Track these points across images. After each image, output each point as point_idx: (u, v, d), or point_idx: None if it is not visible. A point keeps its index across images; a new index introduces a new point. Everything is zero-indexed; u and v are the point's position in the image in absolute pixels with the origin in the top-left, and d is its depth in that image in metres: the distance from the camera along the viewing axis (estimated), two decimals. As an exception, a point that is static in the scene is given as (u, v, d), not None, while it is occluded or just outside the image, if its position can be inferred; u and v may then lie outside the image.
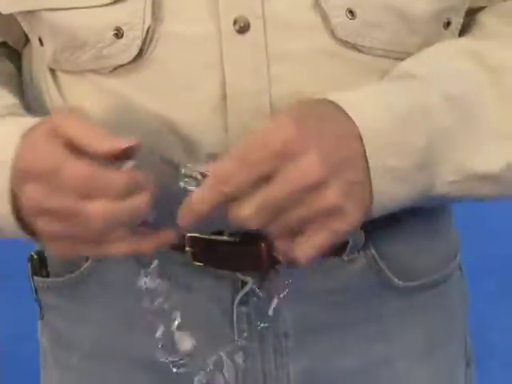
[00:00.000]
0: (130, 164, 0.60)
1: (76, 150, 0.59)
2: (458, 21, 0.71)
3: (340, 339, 0.78)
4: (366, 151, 0.60)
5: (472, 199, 0.69)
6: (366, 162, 0.60)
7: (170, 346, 0.72)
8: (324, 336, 0.77)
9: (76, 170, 0.58)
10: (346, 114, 0.60)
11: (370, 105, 0.62)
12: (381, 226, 0.73)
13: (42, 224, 0.61)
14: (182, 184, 0.61)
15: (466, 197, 0.68)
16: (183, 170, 0.61)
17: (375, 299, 0.78)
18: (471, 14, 0.74)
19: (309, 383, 0.78)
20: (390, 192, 0.62)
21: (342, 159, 0.59)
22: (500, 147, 0.65)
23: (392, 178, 0.61)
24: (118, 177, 0.58)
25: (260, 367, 0.77)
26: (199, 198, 0.58)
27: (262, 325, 0.74)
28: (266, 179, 0.57)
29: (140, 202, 0.59)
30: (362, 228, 0.72)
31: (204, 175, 0.60)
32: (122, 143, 0.59)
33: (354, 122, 0.60)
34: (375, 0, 0.66)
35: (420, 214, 0.75)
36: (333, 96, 0.62)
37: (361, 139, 0.60)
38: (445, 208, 0.82)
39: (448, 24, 0.70)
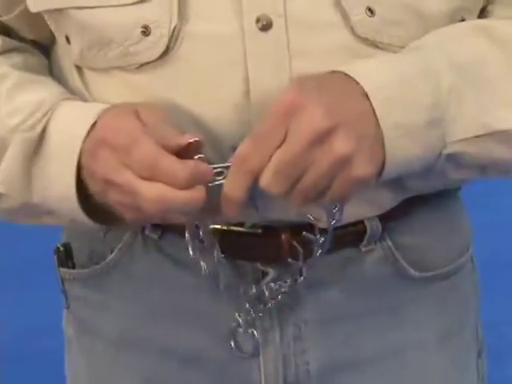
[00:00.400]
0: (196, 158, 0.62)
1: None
2: (471, 19, 0.73)
3: (357, 327, 0.79)
4: (373, 106, 0.62)
5: (485, 169, 0.71)
6: (376, 117, 0.62)
7: None
8: (341, 324, 0.78)
9: (147, 150, 0.60)
10: (350, 76, 0.63)
11: (374, 67, 0.65)
12: (397, 218, 0.76)
13: (109, 194, 0.64)
14: (209, 184, 0.63)
15: (478, 160, 0.70)
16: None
17: (391, 289, 0.79)
18: (482, 11, 0.75)
19: (326, 370, 0.79)
20: (401, 148, 0.64)
21: (348, 111, 0.62)
22: (509, 113, 0.67)
23: (402, 133, 0.63)
24: (182, 167, 0.60)
25: (280, 353, 0.78)
26: (231, 187, 0.61)
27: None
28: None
29: (195, 196, 0.61)
30: (379, 219, 0.75)
31: (228, 168, 0.63)
32: (188, 137, 0.62)
33: (357, 82, 0.63)
34: None
35: (434, 207, 0.77)
36: (340, 67, 0.65)
37: (367, 96, 0.62)
38: (458, 201, 0.84)
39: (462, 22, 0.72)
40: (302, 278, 0.74)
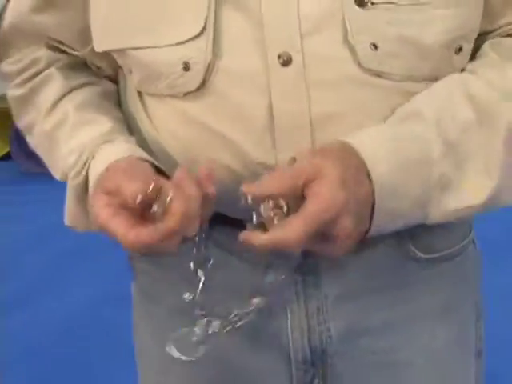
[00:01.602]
0: (167, 199, 0.71)
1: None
2: (468, 47, 0.80)
3: (370, 301, 0.87)
4: (374, 193, 0.72)
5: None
6: (373, 201, 0.73)
7: None
8: (357, 298, 0.86)
9: (120, 237, 0.71)
10: (364, 164, 0.72)
11: (383, 155, 0.73)
12: None
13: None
14: (247, 225, 0.73)
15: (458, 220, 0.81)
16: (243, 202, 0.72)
17: (400, 269, 0.87)
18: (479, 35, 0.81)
19: (344, 335, 0.87)
20: (386, 226, 0.75)
21: (363, 213, 0.73)
22: (482, 181, 0.76)
23: (391, 217, 0.74)
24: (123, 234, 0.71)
25: (305, 322, 0.87)
26: (264, 244, 0.71)
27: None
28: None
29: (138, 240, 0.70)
30: None
31: (254, 198, 0.71)
32: (140, 192, 0.71)
33: (371, 181, 0.72)
34: (394, 34, 0.74)
35: None
36: (358, 147, 0.73)
37: (371, 181, 0.72)
38: None
39: (460, 49, 0.78)
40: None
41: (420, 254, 0.87)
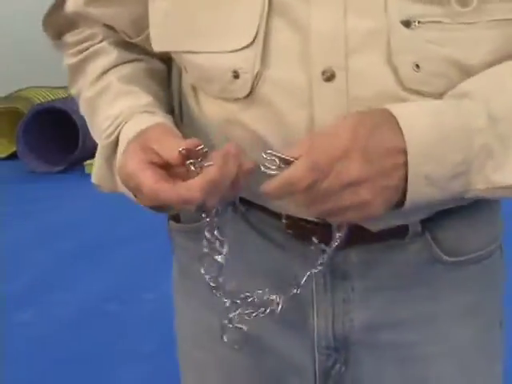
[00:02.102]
0: (205, 164, 0.72)
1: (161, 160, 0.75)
2: None
3: (394, 297, 0.88)
4: (408, 162, 0.70)
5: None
6: (406, 169, 0.70)
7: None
8: (382, 293, 0.88)
9: (146, 187, 0.73)
10: (399, 125, 0.70)
11: (420, 120, 0.71)
12: (435, 216, 0.84)
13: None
14: (262, 168, 0.72)
15: (495, 198, 0.77)
16: (264, 155, 0.72)
17: (427, 270, 0.88)
18: None
19: (367, 327, 0.89)
20: (422, 194, 0.72)
21: (382, 167, 0.70)
22: None
23: (426, 183, 0.71)
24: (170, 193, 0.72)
25: (331, 311, 0.89)
26: (276, 187, 0.71)
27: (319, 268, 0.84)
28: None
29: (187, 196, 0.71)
30: (419, 221, 0.84)
31: (281, 160, 0.71)
32: (185, 144, 0.73)
33: (403, 136, 0.70)
34: (438, 54, 0.74)
35: (468, 206, 0.84)
36: (393, 108, 0.72)
37: (405, 152, 0.70)
38: (490, 201, 0.88)
39: None
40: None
41: (446, 257, 0.88)
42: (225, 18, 0.78)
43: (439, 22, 0.74)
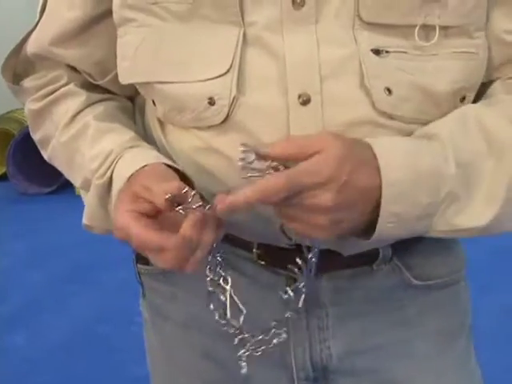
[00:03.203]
0: (193, 206, 0.73)
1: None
2: (471, 96, 0.83)
3: (369, 322, 0.91)
4: (381, 200, 0.73)
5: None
6: (376, 205, 0.73)
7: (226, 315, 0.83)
8: (356, 319, 0.91)
9: (135, 240, 0.74)
10: (378, 165, 0.73)
11: (398, 159, 0.74)
12: (405, 244, 0.87)
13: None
14: (239, 164, 0.72)
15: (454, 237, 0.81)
16: (241, 148, 0.73)
17: (398, 294, 0.91)
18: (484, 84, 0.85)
19: (345, 353, 0.92)
20: (388, 231, 0.75)
21: (351, 202, 0.72)
22: (485, 208, 0.77)
23: (393, 221, 0.74)
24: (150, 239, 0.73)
25: (307, 339, 0.91)
26: (244, 197, 0.70)
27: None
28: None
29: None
30: (390, 245, 0.87)
31: (258, 155, 0.72)
32: (170, 190, 0.73)
33: (380, 175, 0.72)
34: (406, 80, 0.78)
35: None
36: (375, 146, 0.74)
37: (379, 189, 0.73)
38: None
39: (463, 98, 0.82)
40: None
41: (415, 281, 0.91)
42: (199, 49, 0.79)
43: (405, 52, 0.78)
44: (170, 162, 0.83)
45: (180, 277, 0.92)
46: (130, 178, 0.80)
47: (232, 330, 0.83)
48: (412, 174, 0.74)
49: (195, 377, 0.94)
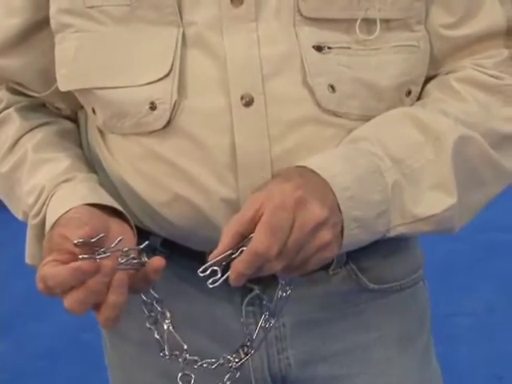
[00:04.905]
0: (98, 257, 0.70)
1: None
2: (416, 90, 0.83)
3: (328, 330, 0.90)
4: (339, 204, 0.72)
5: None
6: (340, 211, 0.72)
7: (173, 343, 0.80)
8: (314, 327, 0.89)
9: (51, 278, 0.70)
10: (322, 178, 0.72)
11: (336, 168, 0.73)
12: (360, 248, 0.82)
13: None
14: (210, 285, 0.70)
15: (416, 234, 0.80)
16: (200, 273, 0.70)
17: (355, 299, 0.90)
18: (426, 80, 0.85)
19: (303, 363, 0.90)
20: (353, 236, 0.74)
21: (332, 206, 0.71)
22: (436, 195, 0.76)
23: (356, 225, 0.73)
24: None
25: (265, 351, 0.89)
26: (246, 267, 0.68)
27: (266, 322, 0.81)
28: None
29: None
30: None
31: (224, 259, 0.69)
32: (77, 236, 0.70)
33: (329, 185, 0.72)
34: (350, 76, 0.78)
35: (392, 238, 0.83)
36: (310, 165, 0.73)
37: (334, 194, 0.72)
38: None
39: (409, 93, 0.82)
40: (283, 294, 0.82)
41: (372, 285, 0.90)
42: (138, 52, 0.78)
43: (348, 47, 0.78)
44: (101, 199, 0.80)
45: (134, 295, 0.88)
46: (54, 225, 0.78)
47: (171, 358, 0.80)
48: (354, 176, 0.73)
49: None
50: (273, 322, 0.80)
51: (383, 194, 0.74)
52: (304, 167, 0.74)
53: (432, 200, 0.76)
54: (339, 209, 0.72)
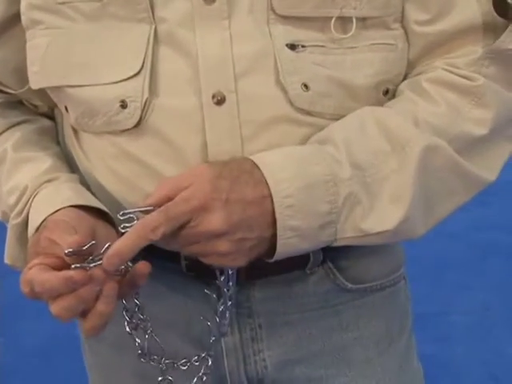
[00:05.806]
0: (90, 265, 0.69)
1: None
2: (394, 89, 0.81)
3: (305, 330, 0.88)
4: (275, 211, 0.70)
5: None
6: (273, 219, 0.70)
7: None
8: (291, 328, 0.88)
9: (40, 283, 0.69)
10: (263, 175, 0.70)
11: (285, 170, 0.71)
12: (337, 246, 0.80)
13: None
14: (120, 229, 0.70)
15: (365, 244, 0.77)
16: (120, 216, 0.71)
17: (332, 299, 0.88)
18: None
19: (280, 364, 0.89)
20: (290, 245, 0.72)
21: (244, 219, 0.70)
22: (393, 209, 0.74)
23: (295, 235, 0.71)
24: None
25: (241, 353, 0.88)
26: (125, 245, 0.67)
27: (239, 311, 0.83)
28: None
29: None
30: (321, 248, 0.81)
31: (141, 211, 0.69)
32: (67, 246, 0.69)
33: (267, 185, 0.70)
34: (324, 75, 0.76)
35: None
36: (256, 158, 0.72)
37: (272, 200, 0.70)
38: None
39: (387, 92, 0.81)
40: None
41: (349, 285, 0.88)
42: (109, 50, 0.77)
43: (322, 46, 0.76)
44: (86, 200, 0.79)
45: None
46: (39, 227, 0.77)
47: (150, 361, 0.81)
48: (303, 185, 0.71)
49: None
50: (229, 303, 0.81)
51: (332, 206, 0.72)
52: (256, 166, 0.72)
53: (388, 214, 0.74)
54: (273, 217, 0.70)
